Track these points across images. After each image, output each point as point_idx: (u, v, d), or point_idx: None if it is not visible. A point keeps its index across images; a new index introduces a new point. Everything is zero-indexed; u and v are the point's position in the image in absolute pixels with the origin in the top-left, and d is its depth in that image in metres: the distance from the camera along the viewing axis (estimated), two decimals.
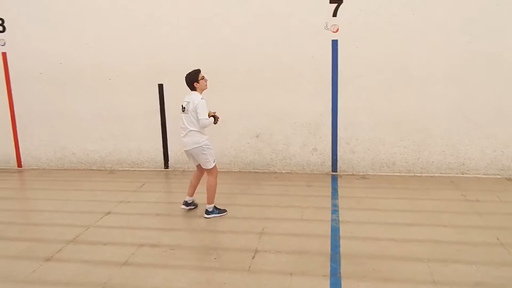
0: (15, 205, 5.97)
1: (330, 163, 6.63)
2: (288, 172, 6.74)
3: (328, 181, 6.30)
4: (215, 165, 5.06)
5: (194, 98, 4.84)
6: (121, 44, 6.77)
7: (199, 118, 4.79)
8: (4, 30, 7.06)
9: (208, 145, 4.95)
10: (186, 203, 5.33)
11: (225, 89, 6.56)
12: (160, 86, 6.79)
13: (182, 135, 4.98)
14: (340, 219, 4.89)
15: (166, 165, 7.07)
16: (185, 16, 6.52)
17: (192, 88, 4.91)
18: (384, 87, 6.24)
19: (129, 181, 6.50)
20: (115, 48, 6.79)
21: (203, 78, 4.92)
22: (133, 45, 6.73)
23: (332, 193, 5.81)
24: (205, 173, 5.14)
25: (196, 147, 4.91)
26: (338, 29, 6.17)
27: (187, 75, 4.90)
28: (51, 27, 6.93)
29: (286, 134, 6.66)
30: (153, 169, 7.04)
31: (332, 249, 4.16)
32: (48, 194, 6.20)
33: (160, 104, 6.84)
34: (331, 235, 4.49)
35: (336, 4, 6.09)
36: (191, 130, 4.88)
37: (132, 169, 7.07)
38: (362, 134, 6.46)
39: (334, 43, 6.22)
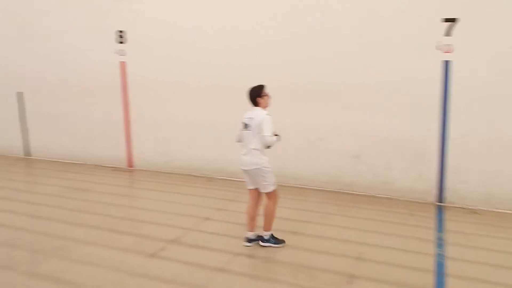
0: (126, 202, 6.49)
1: (435, 192, 6.21)
2: (388, 198, 6.45)
3: (433, 212, 5.90)
4: (275, 189, 4.64)
5: (258, 113, 4.50)
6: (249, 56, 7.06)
7: (263, 134, 4.40)
8: (123, 42, 7.75)
9: (268, 167, 4.54)
10: (249, 240, 4.76)
11: (327, 104, 6.52)
12: None
13: (243, 153, 4.61)
14: (446, 254, 4.54)
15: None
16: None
17: (255, 104, 4.58)
18: (504, 114, 5.73)
19: (227, 190, 6.69)
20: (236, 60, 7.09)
21: (266, 94, 4.62)
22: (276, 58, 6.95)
23: (437, 225, 5.42)
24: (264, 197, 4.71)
25: (255, 168, 4.52)
26: (451, 49, 5.81)
27: (250, 89, 4.59)
28: (165, 38, 7.45)
29: (388, 158, 6.39)
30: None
31: (437, 287, 3.88)
32: (153, 194, 6.63)
33: None
34: (436, 271, 4.19)
35: (450, 23, 5.74)
36: (253, 149, 4.51)
37: (230, 179, 7.28)
38: (476, 163, 5.95)
39: (446, 63, 5.86)
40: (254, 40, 6.83)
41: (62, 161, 8.71)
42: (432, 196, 6.24)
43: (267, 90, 4.63)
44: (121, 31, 7.71)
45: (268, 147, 4.54)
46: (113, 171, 7.94)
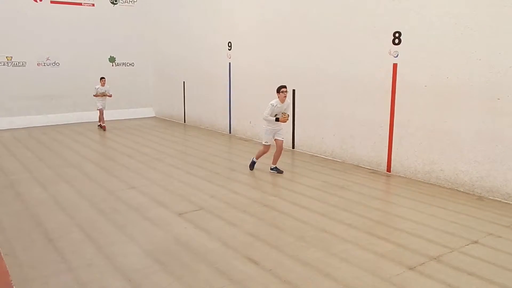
0: (383, 206, 6.47)
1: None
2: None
3: None
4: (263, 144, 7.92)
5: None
6: None
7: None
8: (399, 42, 7.66)
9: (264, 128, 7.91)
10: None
11: None
12: None
13: None
14: None
15: None
16: None
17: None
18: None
19: (500, 214, 5.91)
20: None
21: (282, 92, 7.53)
22: None
23: None
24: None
25: None
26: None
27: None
28: (440, 42, 7.03)
29: None
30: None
31: None
32: (412, 204, 6.40)
33: None
34: None
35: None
36: None
37: (506, 201, 6.39)
38: None
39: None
40: None
41: (323, 157, 9.35)
42: None
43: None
44: (398, 33, 7.70)
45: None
46: (370, 173, 8.06)
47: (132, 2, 15.56)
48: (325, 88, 9.20)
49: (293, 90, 9.89)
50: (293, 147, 10.21)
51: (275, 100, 7.57)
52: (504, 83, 6.32)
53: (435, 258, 4.56)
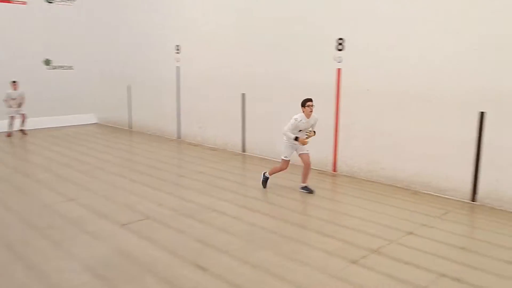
0: (330, 205, 6.91)
1: None
2: None
3: None
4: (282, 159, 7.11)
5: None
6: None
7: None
8: (342, 48, 8.17)
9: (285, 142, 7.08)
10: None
11: None
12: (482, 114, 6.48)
13: None
14: None
15: (473, 197, 6.71)
16: None
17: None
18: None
19: (433, 206, 6.50)
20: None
21: (308, 106, 6.84)
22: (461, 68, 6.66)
23: None
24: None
25: None
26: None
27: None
28: (382, 47, 7.59)
29: None
30: (458, 199, 6.80)
31: None
32: (356, 201, 6.88)
33: (478, 133, 6.54)
34: None
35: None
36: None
37: (436, 194, 7.02)
38: None
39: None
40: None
41: (274, 159, 9.68)
42: None
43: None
44: (341, 39, 8.17)
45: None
46: (318, 174, 8.48)
47: (71, 0, 14.89)
48: (274, 92, 9.56)
49: (243, 94, 10.20)
50: (243, 151, 10.51)
51: (299, 115, 6.84)
52: (436, 87, 6.95)
53: (376, 251, 4.99)
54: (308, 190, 7.17)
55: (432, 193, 7.08)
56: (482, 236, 5.55)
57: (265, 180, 7.44)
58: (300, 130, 6.89)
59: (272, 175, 7.44)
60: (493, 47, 6.33)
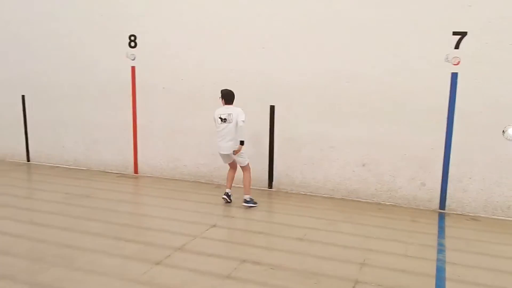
0: (131, 209, 6.53)
1: (438, 200, 6.28)
2: (392, 205, 6.51)
3: (435, 219, 5.97)
4: (248, 163, 6.35)
5: (236, 110, 6.06)
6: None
7: (241, 125, 6.00)
8: (135, 46, 7.85)
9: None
10: (228, 195, 6.39)
11: (338, 114, 6.61)
12: (272, 108, 7.03)
13: (224, 140, 6.14)
14: (447, 260, 4.62)
15: (270, 185, 7.25)
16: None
17: (232, 103, 6.17)
18: (503, 126, 5.83)
19: (235, 197, 6.69)
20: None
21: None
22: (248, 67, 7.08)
23: (438, 231, 5.50)
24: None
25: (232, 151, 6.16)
26: (459, 62, 5.89)
27: (231, 92, 6.16)
28: (176, 45, 7.55)
29: (394, 166, 6.46)
30: (258, 188, 7.22)
31: None
32: (159, 201, 6.68)
33: (270, 126, 7.08)
34: (436, 275, 4.28)
35: (459, 36, 5.84)
36: (234, 138, 6.07)
37: (237, 185, 7.27)
38: (476, 173, 6.05)
39: (454, 76, 5.95)
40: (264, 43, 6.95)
41: (65, 166, 8.76)
42: (435, 204, 6.34)
43: None
44: (133, 36, 7.80)
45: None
46: (118, 178, 7.99)
47: None
48: (59, 94, 8.61)
49: (23, 96, 8.93)
50: (28, 160, 9.20)
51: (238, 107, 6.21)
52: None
53: (179, 248, 4.87)
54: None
55: (234, 185, 7.27)
56: (278, 219, 5.99)
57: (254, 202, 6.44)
58: None
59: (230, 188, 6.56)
60: None
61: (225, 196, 6.39)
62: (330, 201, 6.71)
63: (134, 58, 7.88)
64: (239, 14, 7.05)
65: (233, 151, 6.14)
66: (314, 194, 6.98)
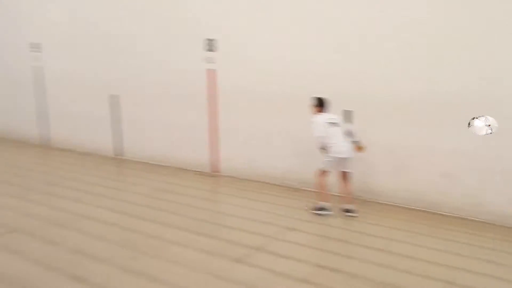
0: (210, 206, 6.77)
1: None
2: (480, 221, 6.09)
3: None
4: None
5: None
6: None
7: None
8: (213, 50, 8.06)
9: None
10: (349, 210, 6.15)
11: (420, 122, 6.37)
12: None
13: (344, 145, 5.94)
14: None
15: None
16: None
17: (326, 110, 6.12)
18: None
19: (313, 202, 6.66)
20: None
21: None
22: None
23: None
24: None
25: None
26: None
27: (325, 99, 6.12)
28: (258, 45, 7.69)
29: (482, 179, 6.06)
30: (335, 194, 7.10)
31: None
32: (237, 200, 6.85)
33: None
34: None
35: None
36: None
37: (315, 190, 7.28)
38: None
39: None
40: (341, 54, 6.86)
41: (151, 163, 9.25)
42: None
43: None
44: (210, 39, 8.06)
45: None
46: (198, 175, 8.28)
47: None
48: (149, 95, 9.10)
49: (112, 96, 9.58)
50: (117, 154, 9.85)
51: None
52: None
53: (258, 248, 4.96)
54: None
55: (312, 190, 7.23)
56: (356, 228, 5.86)
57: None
58: None
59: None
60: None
61: (349, 214, 6.14)
62: (410, 212, 6.45)
63: (212, 61, 8.11)
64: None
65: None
66: (393, 203, 6.72)
